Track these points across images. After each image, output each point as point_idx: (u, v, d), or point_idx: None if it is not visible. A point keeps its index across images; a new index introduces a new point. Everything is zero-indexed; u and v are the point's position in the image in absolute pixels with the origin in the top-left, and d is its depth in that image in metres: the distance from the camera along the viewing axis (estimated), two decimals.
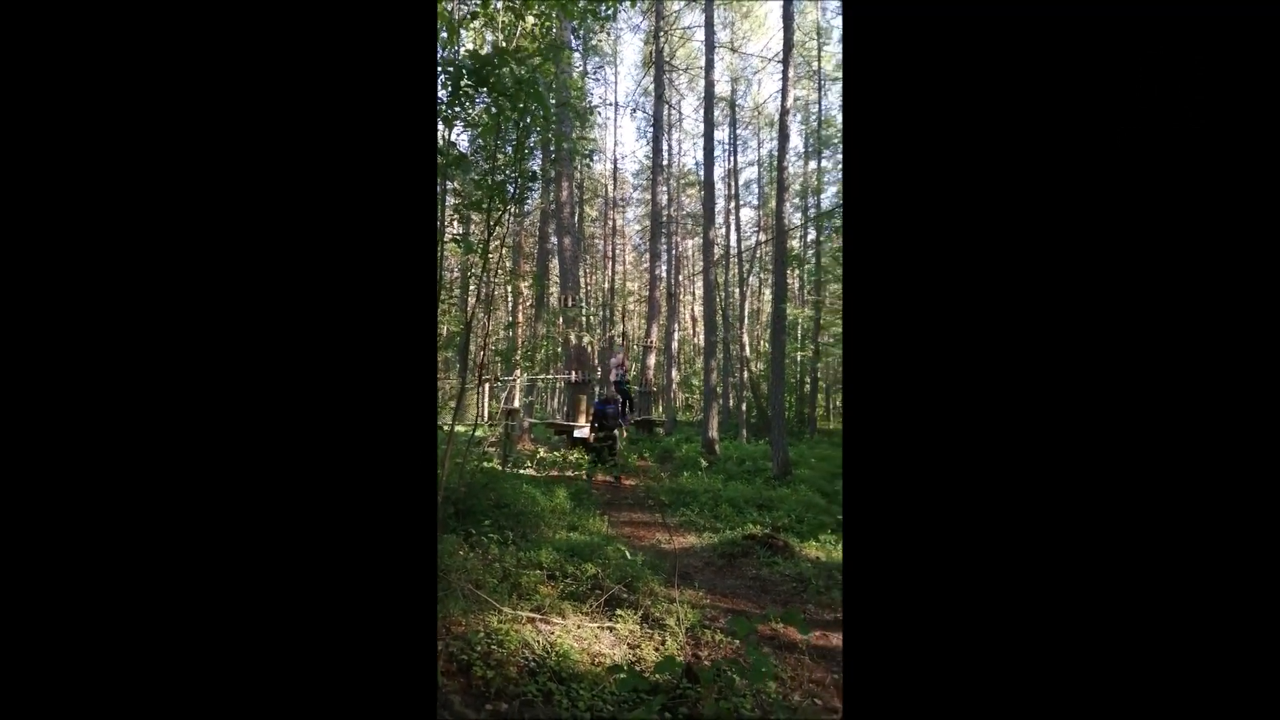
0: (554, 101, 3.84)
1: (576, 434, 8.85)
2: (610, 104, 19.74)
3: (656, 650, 2.84)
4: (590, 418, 8.61)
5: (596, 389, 8.77)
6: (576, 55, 14.31)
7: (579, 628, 2.98)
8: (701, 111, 11.67)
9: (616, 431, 7.79)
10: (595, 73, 18.11)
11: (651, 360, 12.81)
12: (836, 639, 3.24)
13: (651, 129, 13.78)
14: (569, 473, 7.73)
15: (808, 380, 17.40)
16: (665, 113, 14.31)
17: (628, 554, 4.15)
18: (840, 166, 17.87)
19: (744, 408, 14.69)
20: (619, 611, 3.22)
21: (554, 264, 12.41)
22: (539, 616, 3.01)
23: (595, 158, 20.27)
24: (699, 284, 16.01)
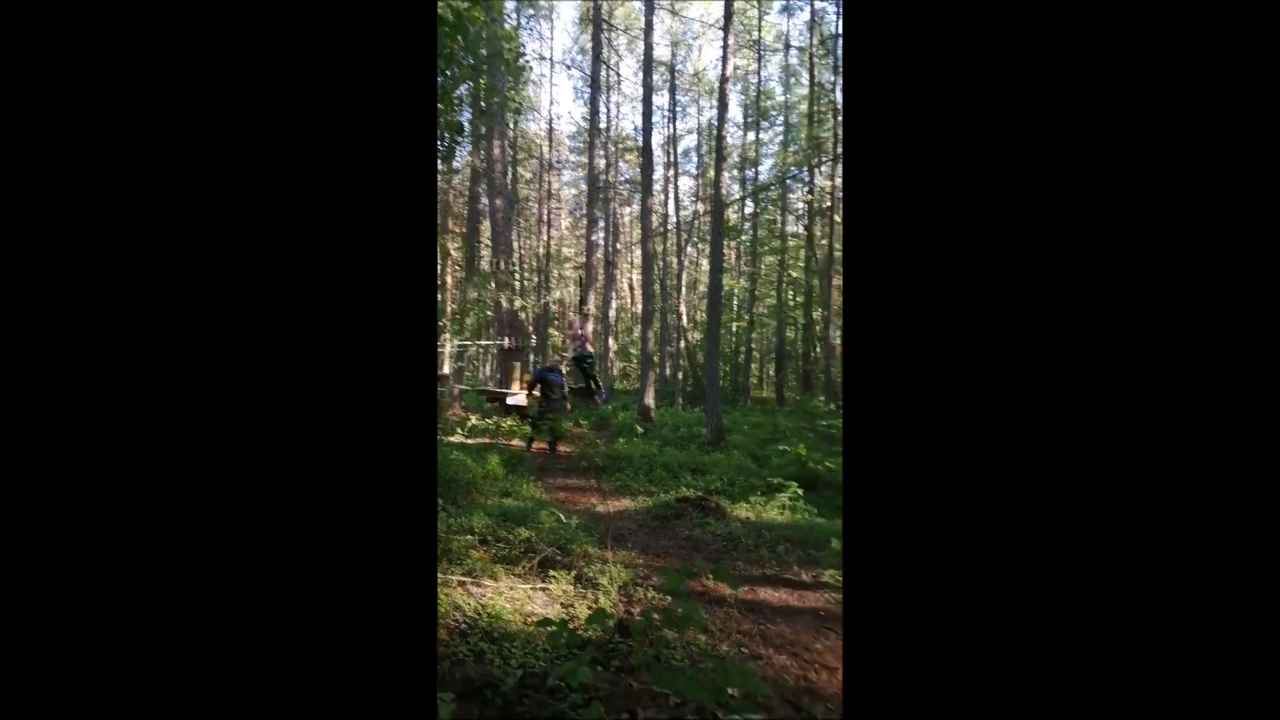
0: (483, 52, 3.63)
1: (510, 401, 8.70)
2: (545, 59, 18.99)
3: (590, 608, 2.87)
4: (526, 385, 8.47)
5: (533, 357, 8.61)
6: (510, 4, 13.60)
7: (511, 590, 2.96)
8: (640, 75, 11.42)
9: (561, 403, 7.54)
10: (529, 25, 17.33)
11: (589, 328, 12.72)
12: (764, 593, 3.38)
13: (589, 89, 13.40)
14: (502, 440, 7.61)
15: (742, 350, 17.82)
16: (604, 74, 13.93)
17: (562, 518, 4.14)
18: (779, 139, 18.07)
19: (680, 376, 14.91)
20: (552, 572, 3.22)
21: (485, 226, 11.96)
22: (470, 580, 2.97)
23: (529, 116, 19.54)
24: (637, 252, 15.92)
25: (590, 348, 5.07)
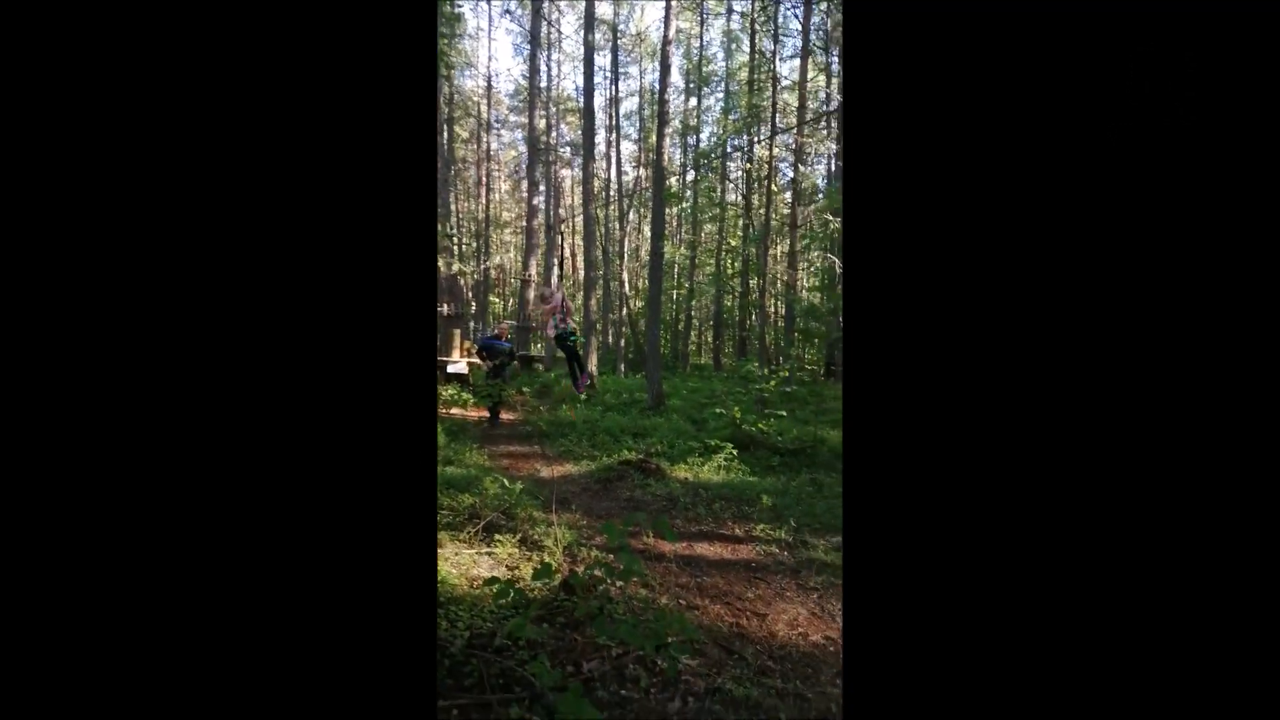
0: None
1: (450, 369, 8.55)
2: (482, 12, 18.04)
3: (535, 570, 2.97)
4: (466, 353, 8.32)
5: (473, 325, 8.41)
6: None
7: (457, 555, 3.02)
8: (582, 33, 11.07)
9: (505, 371, 7.40)
10: None
11: (531, 294, 12.54)
12: (700, 548, 3.58)
13: (529, 46, 12.89)
14: (442, 409, 7.50)
15: (682, 318, 18.05)
16: (544, 30, 13.41)
17: (506, 483, 4.20)
18: (720, 105, 18.03)
19: (622, 343, 15.00)
20: (497, 537, 3.29)
21: None
22: None
23: (465, 72, 18.61)
24: (579, 217, 15.67)
25: (573, 321, 4.23)
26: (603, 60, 17.48)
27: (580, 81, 18.06)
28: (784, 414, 6.65)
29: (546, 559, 3.10)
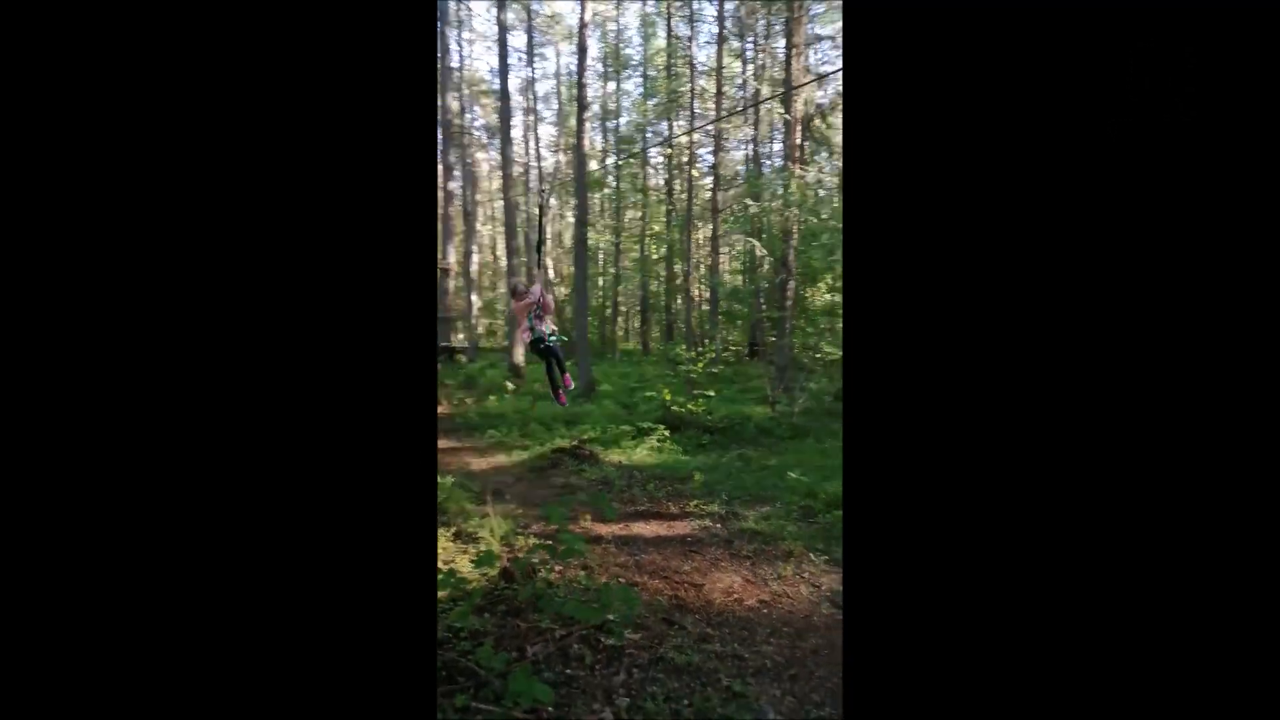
0: None
1: None
2: None
3: (472, 562, 2.93)
4: None
5: None
6: None
7: None
8: (494, 10, 10.71)
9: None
10: None
11: (451, 285, 12.12)
12: (637, 527, 3.65)
13: (438, 22, 12.31)
14: None
15: (609, 304, 18.07)
16: (453, 6, 12.86)
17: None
18: (640, 91, 18.00)
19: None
20: None
21: None
22: None
23: None
24: (498, 203, 15.28)
25: (553, 324, 3.43)
26: (517, 41, 17.00)
27: (494, 63, 17.50)
28: (712, 394, 6.85)
29: (484, 549, 3.07)
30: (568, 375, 3.41)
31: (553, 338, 3.25)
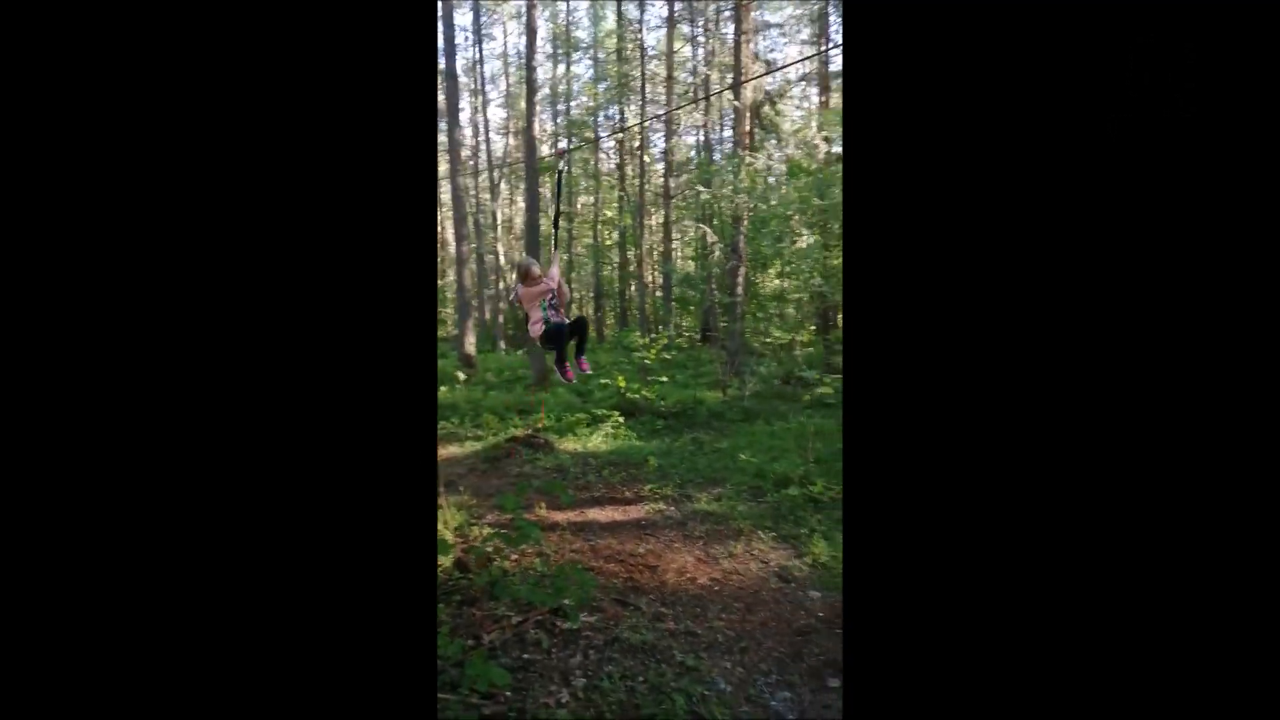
0: None
1: None
2: None
3: None
4: None
5: None
6: None
7: None
8: None
9: None
10: None
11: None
12: (592, 513, 3.69)
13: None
14: None
15: None
16: None
17: None
18: (590, 74, 17.77)
19: (501, 319, 14.62)
20: None
21: None
22: None
23: None
24: (446, 188, 14.78)
25: (565, 314, 2.94)
26: (463, 19, 16.45)
27: (440, 42, 16.88)
28: (665, 379, 6.93)
29: (438, 539, 3.04)
30: (584, 359, 3.02)
31: (564, 325, 2.86)
